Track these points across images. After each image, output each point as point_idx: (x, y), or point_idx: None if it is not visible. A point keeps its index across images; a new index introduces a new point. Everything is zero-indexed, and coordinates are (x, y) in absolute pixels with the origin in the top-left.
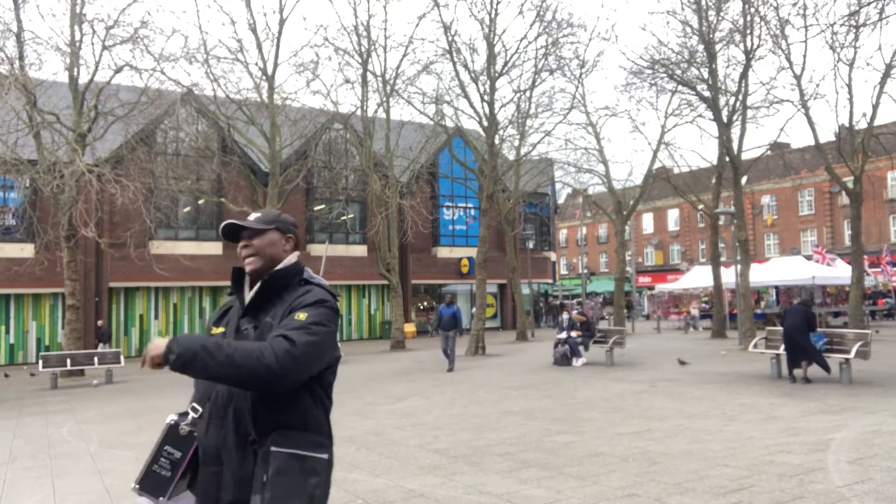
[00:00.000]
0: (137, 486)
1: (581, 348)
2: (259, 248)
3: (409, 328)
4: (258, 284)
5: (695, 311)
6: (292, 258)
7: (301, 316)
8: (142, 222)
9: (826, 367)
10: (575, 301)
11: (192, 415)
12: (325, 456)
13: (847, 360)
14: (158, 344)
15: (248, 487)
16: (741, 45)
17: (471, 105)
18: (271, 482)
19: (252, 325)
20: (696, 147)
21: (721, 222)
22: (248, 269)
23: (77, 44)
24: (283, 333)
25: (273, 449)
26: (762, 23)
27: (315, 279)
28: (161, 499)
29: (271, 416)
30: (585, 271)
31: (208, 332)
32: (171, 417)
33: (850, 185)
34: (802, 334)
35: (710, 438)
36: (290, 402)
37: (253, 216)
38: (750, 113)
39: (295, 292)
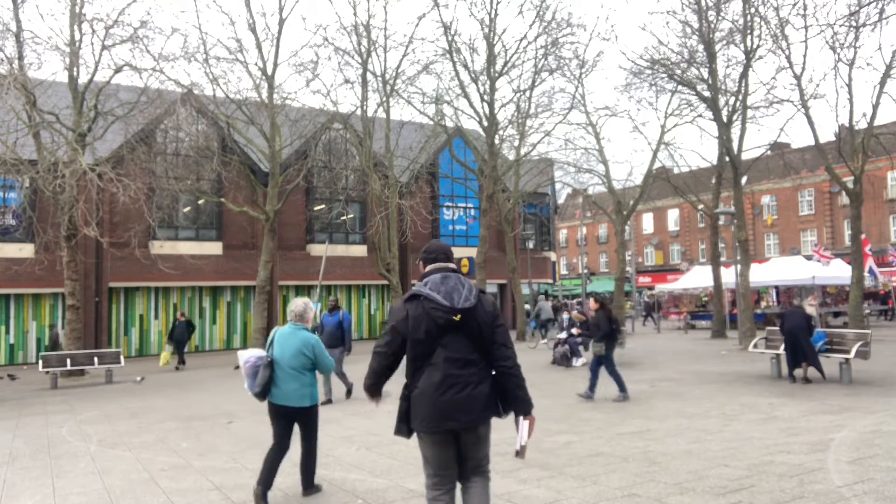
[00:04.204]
0: None
1: (581, 348)
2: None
3: None
4: None
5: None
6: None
7: None
8: (142, 222)
9: (821, 373)
10: (575, 301)
11: None
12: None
13: (847, 360)
14: None
15: None
16: (741, 45)
17: (471, 105)
18: None
19: None
20: (696, 147)
21: (721, 222)
22: None
23: (77, 43)
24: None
25: None
26: (762, 23)
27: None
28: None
29: None
30: (585, 271)
31: None
32: None
33: (850, 185)
34: (805, 336)
35: (710, 438)
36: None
37: None
38: (750, 113)
39: None
